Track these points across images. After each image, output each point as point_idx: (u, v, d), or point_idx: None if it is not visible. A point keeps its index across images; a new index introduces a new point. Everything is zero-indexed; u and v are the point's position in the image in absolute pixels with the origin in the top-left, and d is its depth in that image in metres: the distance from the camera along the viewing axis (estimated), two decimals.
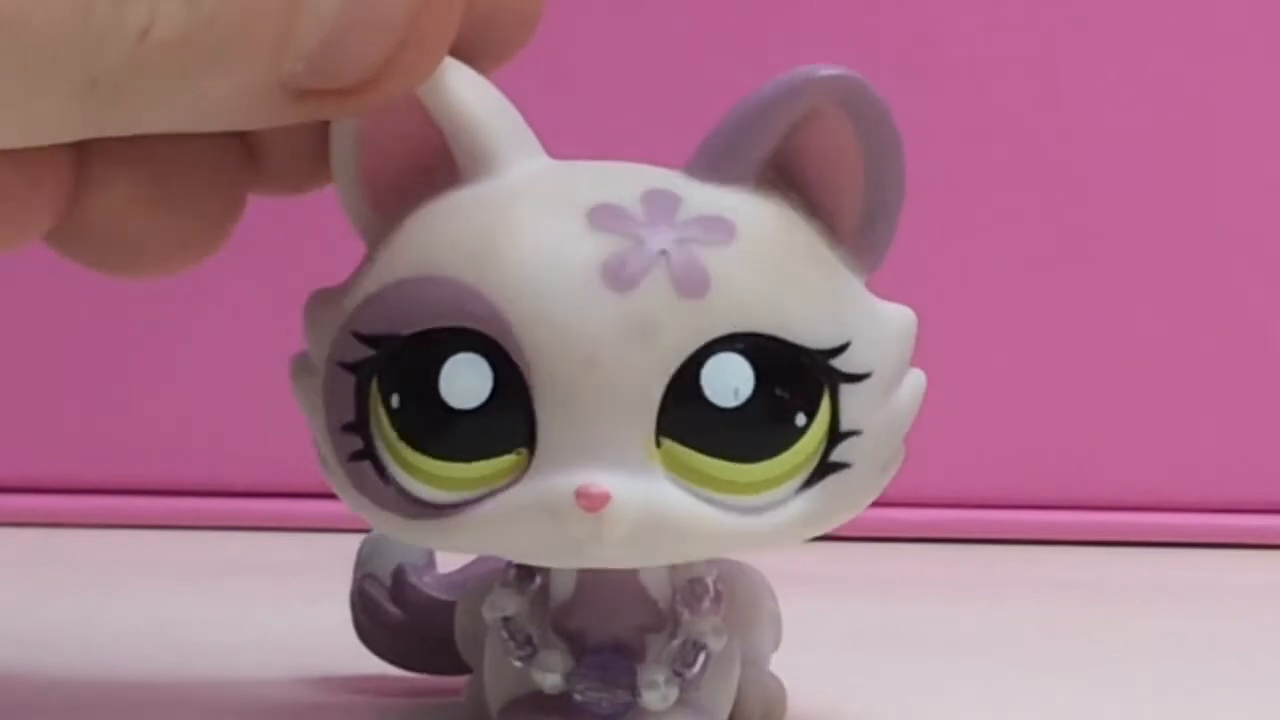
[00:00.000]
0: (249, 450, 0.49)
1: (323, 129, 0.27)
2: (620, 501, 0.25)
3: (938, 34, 0.48)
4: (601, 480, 0.25)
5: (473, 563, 0.32)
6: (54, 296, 0.49)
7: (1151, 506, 0.48)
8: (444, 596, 0.32)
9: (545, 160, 0.27)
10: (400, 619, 0.32)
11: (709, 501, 0.26)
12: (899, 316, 0.27)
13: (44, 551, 0.47)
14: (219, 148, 0.27)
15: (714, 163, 0.26)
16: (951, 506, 0.48)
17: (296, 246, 0.44)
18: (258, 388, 0.47)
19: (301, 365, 0.27)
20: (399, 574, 0.32)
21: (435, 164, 0.27)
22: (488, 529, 0.26)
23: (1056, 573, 0.46)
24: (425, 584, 0.32)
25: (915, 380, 0.27)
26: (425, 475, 0.26)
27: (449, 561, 0.32)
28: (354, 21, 0.25)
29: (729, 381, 0.25)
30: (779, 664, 0.30)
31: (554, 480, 0.25)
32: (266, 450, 0.47)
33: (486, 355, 0.25)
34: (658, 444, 0.25)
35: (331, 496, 0.27)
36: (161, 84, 0.24)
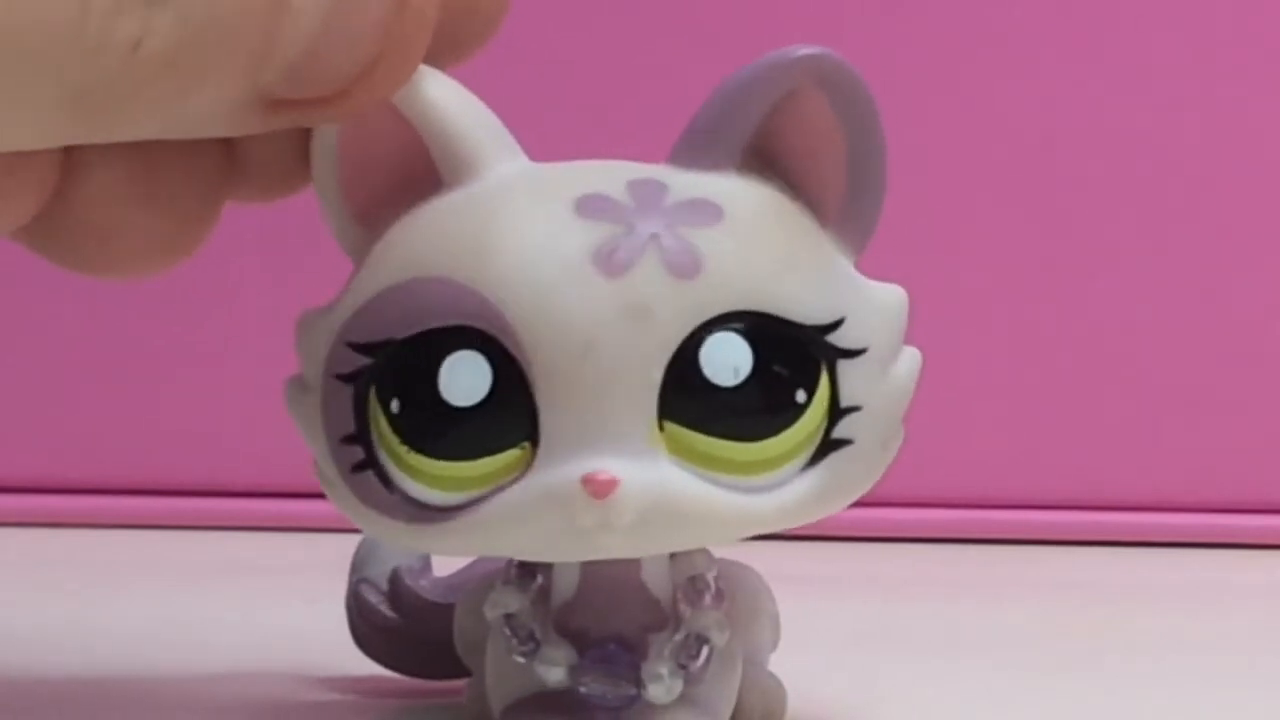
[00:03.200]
0: (249, 450, 0.49)
1: (300, 132, 0.27)
2: (628, 487, 0.25)
3: (930, 21, 0.48)
4: (607, 466, 0.25)
5: (470, 565, 0.32)
6: (55, 297, 0.49)
7: (1151, 506, 0.48)
8: (441, 600, 0.31)
9: (525, 162, 0.27)
10: (397, 623, 0.32)
11: (714, 483, 0.26)
12: (890, 293, 0.27)
13: (44, 551, 0.47)
14: (201, 148, 0.27)
15: (696, 149, 0.26)
16: (951, 506, 0.48)
17: (297, 247, 0.44)
18: (258, 388, 0.47)
19: (296, 387, 0.27)
20: (395, 577, 0.32)
21: (417, 172, 0.27)
22: (495, 527, 0.26)
23: (1056, 573, 0.46)
24: (422, 587, 0.32)
25: (911, 357, 0.27)
26: (429, 478, 0.26)
27: (445, 564, 0.32)
28: (332, 32, 0.25)
29: (728, 360, 0.25)
30: (779, 664, 0.30)
31: (559, 471, 0.25)
32: (266, 450, 0.47)
33: (484, 351, 0.25)
34: (660, 428, 0.25)
35: None
36: (148, 96, 0.24)
